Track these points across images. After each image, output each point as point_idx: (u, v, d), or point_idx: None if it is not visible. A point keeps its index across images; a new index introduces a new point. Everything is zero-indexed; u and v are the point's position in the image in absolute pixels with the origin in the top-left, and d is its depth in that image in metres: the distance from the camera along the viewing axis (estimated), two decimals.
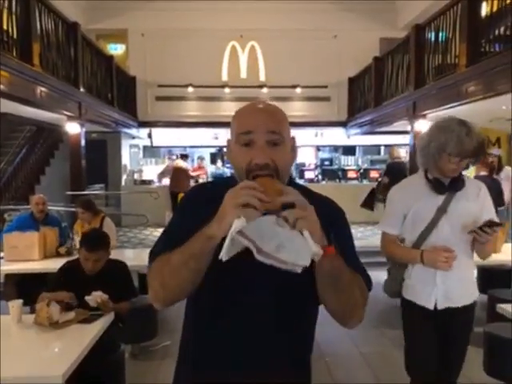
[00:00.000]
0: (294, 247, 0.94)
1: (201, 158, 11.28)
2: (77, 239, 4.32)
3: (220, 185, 1.24)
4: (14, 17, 5.24)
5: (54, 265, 3.41)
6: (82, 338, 2.31)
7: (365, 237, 8.68)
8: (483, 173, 5.82)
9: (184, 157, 10.10)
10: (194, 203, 1.22)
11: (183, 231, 1.10)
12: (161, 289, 1.13)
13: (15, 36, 5.31)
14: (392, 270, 2.42)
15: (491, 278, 4.83)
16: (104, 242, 3.08)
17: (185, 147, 12.99)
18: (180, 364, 1.26)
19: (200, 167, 11.00)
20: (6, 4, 5.10)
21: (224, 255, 0.94)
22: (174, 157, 10.79)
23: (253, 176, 1.07)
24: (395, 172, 7.45)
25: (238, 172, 1.14)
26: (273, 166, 1.09)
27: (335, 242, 1.05)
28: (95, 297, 2.64)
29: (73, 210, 6.28)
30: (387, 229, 2.35)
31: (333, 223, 1.15)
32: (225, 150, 1.27)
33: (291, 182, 1.20)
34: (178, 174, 9.48)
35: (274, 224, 0.95)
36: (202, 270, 1.06)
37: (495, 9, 5.14)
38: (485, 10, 5.39)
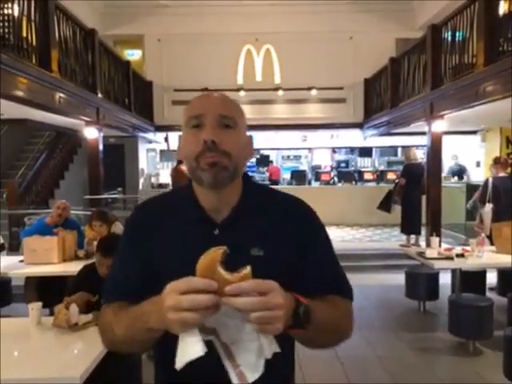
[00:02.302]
0: (247, 353, 0.85)
1: None
2: (95, 243, 4.37)
3: (173, 194, 1.20)
4: (33, 24, 5.33)
5: (73, 268, 3.46)
6: (99, 339, 2.33)
7: (382, 239, 8.61)
8: (502, 174, 5.73)
9: (181, 161, 9.97)
10: (141, 227, 1.10)
11: (131, 277, 1.06)
12: (111, 348, 1.09)
13: (34, 43, 5.41)
14: None
15: (511, 281, 4.75)
16: (117, 246, 3.10)
17: None
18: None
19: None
20: (26, 12, 5.20)
21: (179, 367, 0.82)
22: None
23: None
24: (412, 173, 7.39)
25: (187, 161, 1.03)
26: (221, 148, 0.99)
27: (306, 269, 0.99)
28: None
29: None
30: None
31: (303, 229, 1.08)
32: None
33: (248, 183, 1.11)
34: (179, 178, 9.40)
35: (228, 310, 0.81)
36: (151, 345, 1.00)
37: None
38: (502, 8, 5.31)
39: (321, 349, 1.12)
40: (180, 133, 1.09)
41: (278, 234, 1.04)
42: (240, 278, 0.79)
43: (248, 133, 1.11)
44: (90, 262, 3.21)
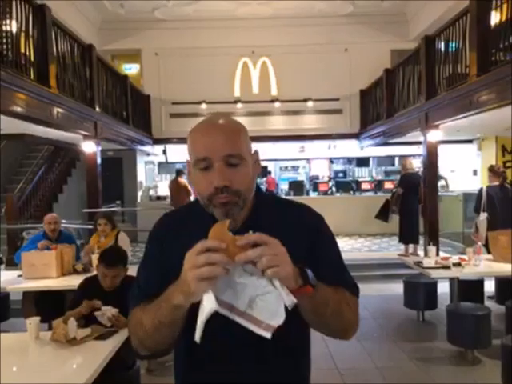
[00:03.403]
0: (266, 304, 0.92)
1: None
2: (92, 256, 4.38)
3: (186, 213, 1.25)
4: (31, 40, 5.39)
5: (72, 282, 3.47)
6: (98, 354, 2.34)
7: (380, 249, 8.62)
8: (495, 183, 5.78)
9: (180, 172, 9.71)
10: (163, 238, 1.19)
11: (158, 275, 1.12)
12: (140, 345, 1.14)
13: (32, 59, 5.46)
14: None
15: (509, 289, 4.75)
16: (122, 258, 3.13)
17: None
18: None
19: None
20: (24, 27, 5.26)
21: (199, 338, 0.91)
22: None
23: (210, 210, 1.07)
24: (409, 183, 7.43)
25: (200, 196, 1.11)
26: (233, 189, 1.06)
27: (315, 268, 1.02)
28: (105, 311, 2.67)
29: (90, 227, 6.35)
30: None
31: (312, 233, 1.14)
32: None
33: (259, 195, 1.17)
34: (178, 191, 9.39)
35: (242, 273, 0.93)
36: (176, 331, 1.06)
37: (504, 18, 5.13)
38: (494, 19, 5.39)
39: (329, 333, 1.15)
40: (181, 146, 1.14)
41: (289, 243, 1.06)
42: (246, 238, 0.91)
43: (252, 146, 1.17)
44: (89, 275, 3.22)
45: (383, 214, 7.64)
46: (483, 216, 5.62)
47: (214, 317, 0.92)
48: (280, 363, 1.12)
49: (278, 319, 0.92)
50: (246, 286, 0.93)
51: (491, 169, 5.94)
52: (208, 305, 0.89)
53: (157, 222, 1.25)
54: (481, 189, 5.96)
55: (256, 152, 1.17)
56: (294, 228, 1.13)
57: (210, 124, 1.12)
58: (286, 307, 0.92)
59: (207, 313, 0.89)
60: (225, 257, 0.90)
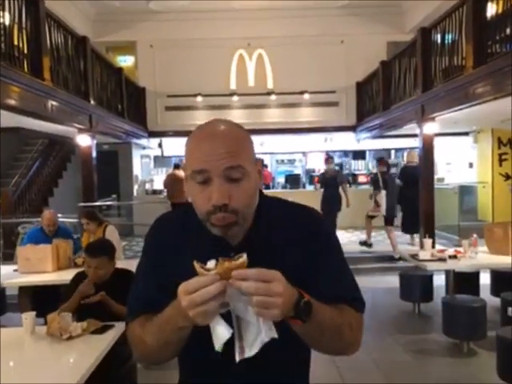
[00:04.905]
0: (246, 331, 0.93)
1: None
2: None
3: (185, 220, 1.14)
4: (24, 32, 5.33)
5: (67, 276, 3.45)
6: (94, 348, 2.33)
7: (376, 242, 8.64)
8: (384, 169, 7.81)
9: (178, 166, 9.49)
10: (161, 243, 1.14)
11: (150, 294, 1.09)
12: (145, 360, 1.14)
13: (26, 51, 5.40)
14: None
15: (504, 282, 4.78)
16: (105, 248, 3.09)
17: None
18: None
19: None
20: (17, 19, 5.20)
21: (219, 348, 0.92)
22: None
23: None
24: (408, 176, 7.52)
25: (197, 211, 1.04)
26: (232, 207, 0.98)
27: (315, 278, 1.00)
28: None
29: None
30: None
31: (314, 242, 1.09)
32: None
33: (261, 203, 1.10)
34: (175, 184, 9.17)
35: (234, 294, 0.90)
36: (183, 344, 1.03)
37: (501, 10, 5.11)
38: (490, 11, 5.37)
39: (326, 353, 1.13)
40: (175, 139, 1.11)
41: (292, 251, 1.06)
42: (239, 264, 0.88)
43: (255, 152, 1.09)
44: (82, 269, 3.21)
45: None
46: (383, 193, 7.61)
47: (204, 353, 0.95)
48: (281, 358, 1.09)
49: (251, 352, 0.92)
50: (235, 307, 0.92)
51: (380, 160, 8.32)
52: (221, 333, 0.90)
53: (153, 228, 1.18)
54: (376, 174, 8.14)
55: (259, 161, 1.09)
56: (297, 236, 1.09)
57: (209, 131, 1.02)
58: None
59: (222, 339, 0.90)
60: (220, 287, 0.86)
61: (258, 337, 0.92)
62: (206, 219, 1.02)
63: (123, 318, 1.20)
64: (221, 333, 0.90)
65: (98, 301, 2.84)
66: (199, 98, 10.75)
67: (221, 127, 1.03)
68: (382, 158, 8.88)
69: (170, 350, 1.05)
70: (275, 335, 0.90)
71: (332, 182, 8.22)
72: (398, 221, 8.13)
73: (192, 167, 1.01)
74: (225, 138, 1.00)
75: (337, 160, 14.00)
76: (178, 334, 0.98)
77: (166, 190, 9.43)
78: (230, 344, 0.93)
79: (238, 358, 0.93)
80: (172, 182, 9.08)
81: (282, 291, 0.86)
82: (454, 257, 4.44)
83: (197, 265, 0.90)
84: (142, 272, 1.16)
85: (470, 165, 10.75)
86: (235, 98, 10.82)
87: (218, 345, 0.91)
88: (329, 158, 8.80)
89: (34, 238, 4.66)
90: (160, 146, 11.77)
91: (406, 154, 8.67)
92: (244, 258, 0.89)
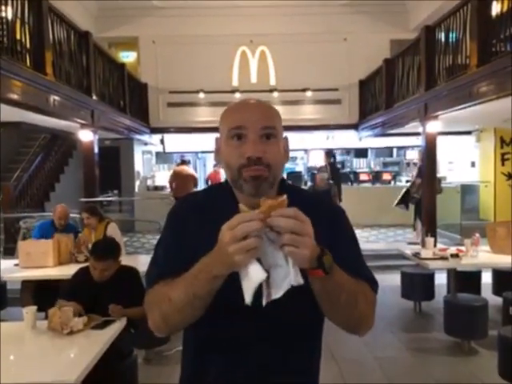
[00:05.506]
0: (275, 275, 0.95)
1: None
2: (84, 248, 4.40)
3: (214, 192, 1.22)
4: (26, 27, 5.32)
5: (69, 271, 3.45)
6: (94, 343, 2.33)
7: (378, 240, 8.63)
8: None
9: (184, 162, 9.64)
10: (186, 219, 1.16)
11: (179, 255, 1.08)
12: (162, 323, 1.10)
13: (28, 46, 5.39)
14: None
15: (506, 281, 4.76)
16: (112, 251, 3.09)
17: (197, 152, 13.03)
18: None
19: (216, 173, 10.74)
20: (19, 14, 5.19)
21: (249, 301, 0.94)
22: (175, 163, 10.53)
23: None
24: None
25: (229, 170, 1.10)
26: (265, 162, 1.05)
27: (333, 253, 1.00)
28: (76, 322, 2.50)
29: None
30: None
31: (332, 226, 1.13)
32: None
33: (283, 184, 1.17)
34: (183, 180, 9.14)
35: (265, 240, 0.93)
36: (207, 305, 1.03)
37: (505, 8, 5.08)
38: (495, 9, 5.34)
39: (339, 324, 1.13)
40: (217, 135, 1.16)
41: (315, 230, 1.06)
42: (279, 201, 0.92)
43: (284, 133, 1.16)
44: (86, 264, 3.20)
45: (404, 202, 8.06)
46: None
47: (228, 303, 0.97)
48: (293, 346, 1.12)
49: (278, 293, 0.94)
50: (265, 254, 0.94)
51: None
52: (256, 275, 0.92)
53: (178, 202, 1.23)
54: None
55: (286, 138, 1.16)
56: (317, 215, 1.08)
57: (246, 102, 1.14)
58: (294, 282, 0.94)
59: (256, 282, 0.92)
60: (260, 224, 0.89)
61: (285, 279, 0.94)
62: (238, 176, 1.07)
63: (141, 317, 1.19)
64: (255, 275, 0.92)
65: (110, 299, 2.79)
66: (201, 95, 10.73)
67: (256, 100, 1.15)
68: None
69: (196, 307, 1.03)
70: (301, 281, 0.93)
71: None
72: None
73: (230, 125, 1.09)
74: (261, 106, 1.13)
75: (338, 158, 14.00)
76: (210, 286, 0.98)
77: (173, 186, 9.25)
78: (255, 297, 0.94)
79: (264, 302, 0.95)
80: (180, 177, 9.03)
81: (312, 232, 0.92)
82: (456, 255, 4.42)
83: (241, 205, 0.94)
84: (164, 243, 1.18)
85: (473, 164, 10.73)
86: (237, 94, 10.78)
87: (249, 289, 0.93)
88: (328, 155, 8.93)
89: (45, 230, 4.72)
90: (162, 142, 11.76)
91: (417, 154, 8.65)
92: (284, 197, 0.93)
